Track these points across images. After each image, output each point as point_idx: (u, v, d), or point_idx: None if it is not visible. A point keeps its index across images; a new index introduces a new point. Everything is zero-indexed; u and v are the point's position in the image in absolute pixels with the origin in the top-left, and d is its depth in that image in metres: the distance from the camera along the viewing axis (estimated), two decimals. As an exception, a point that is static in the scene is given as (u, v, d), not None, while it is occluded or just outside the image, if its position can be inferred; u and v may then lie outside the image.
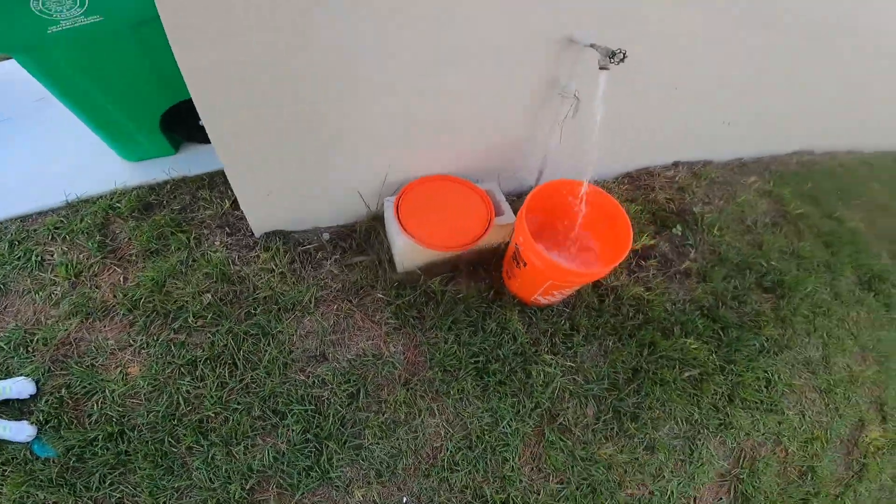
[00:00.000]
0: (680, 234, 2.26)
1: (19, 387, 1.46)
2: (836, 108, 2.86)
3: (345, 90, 1.35)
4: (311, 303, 1.71)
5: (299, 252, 1.79)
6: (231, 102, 1.27)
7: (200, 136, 2.10)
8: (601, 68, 1.40)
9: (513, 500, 1.49)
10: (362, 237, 1.86)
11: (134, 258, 1.75)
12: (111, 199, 1.88)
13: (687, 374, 1.84)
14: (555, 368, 1.72)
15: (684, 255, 2.22)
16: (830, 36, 2.07)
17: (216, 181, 1.95)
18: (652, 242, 2.17)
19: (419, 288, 1.78)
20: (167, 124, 1.99)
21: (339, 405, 1.52)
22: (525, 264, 1.59)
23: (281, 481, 1.41)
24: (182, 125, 2.04)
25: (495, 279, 1.88)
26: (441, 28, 1.28)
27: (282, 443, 1.45)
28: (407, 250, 1.68)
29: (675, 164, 2.59)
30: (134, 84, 1.77)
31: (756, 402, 1.89)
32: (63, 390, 1.49)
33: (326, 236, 1.86)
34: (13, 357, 1.53)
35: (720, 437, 1.78)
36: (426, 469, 1.49)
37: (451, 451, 1.52)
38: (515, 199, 2.12)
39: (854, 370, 2.18)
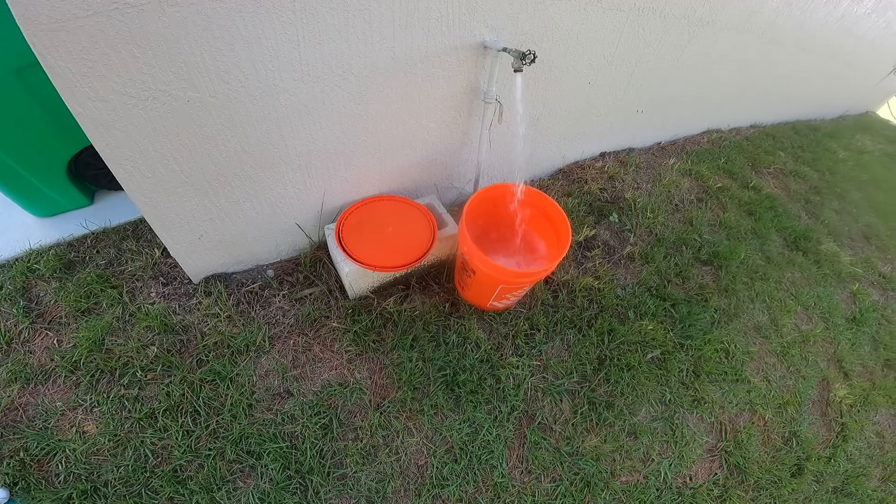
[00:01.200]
0: (617, 220, 2.38)
1: None
2: (733, 90, 3.13)
3: (264, 123, 1.32)
4: (265, 342, 1.65)
5: (244, 293, 1.72)
6: (138, 149, 1.21)
7: (115, 184, 1.98)
8: (515, 70, 1.45)
9: (509, 505, 1.49)
10: (308, 269, 1.81)
11: (64, 320, 1.61)
12: (28, 260, 1.72)
13: (649, 356, 1.92)
14: (523, 370, 1.75)
15: (624, 240, 2.33)
16: (710, 26, 2.26)
17: (141, 229, 1.83)
18: (592, 233, 2.27)
19: (374, 311, 1.76)
20: (76, 172, 1.86)
21: (315, 438, 1.48)
22: (474, 272, 1.61)
23: None
24: (92, 172, 1.91)
25: (449, 291, 1.89)
26: (353, 43, 1.28)
27: (264, 483, 1.40)
28: (355, 276, 1.65)
29: (602, 155, 2.73)
30: (28, 133, 1.64)
31: (721, 374, 1.98)
32: (21, 453, 1.37)
33: (271, 273, 1.80)
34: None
35: (697, 413, 1.85)
36: (416, 489, 1.48)
37: (437, 467, 1.51)
38: (457, 209, 2.15)
39: (803, 330, 2.34)
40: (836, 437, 2.05)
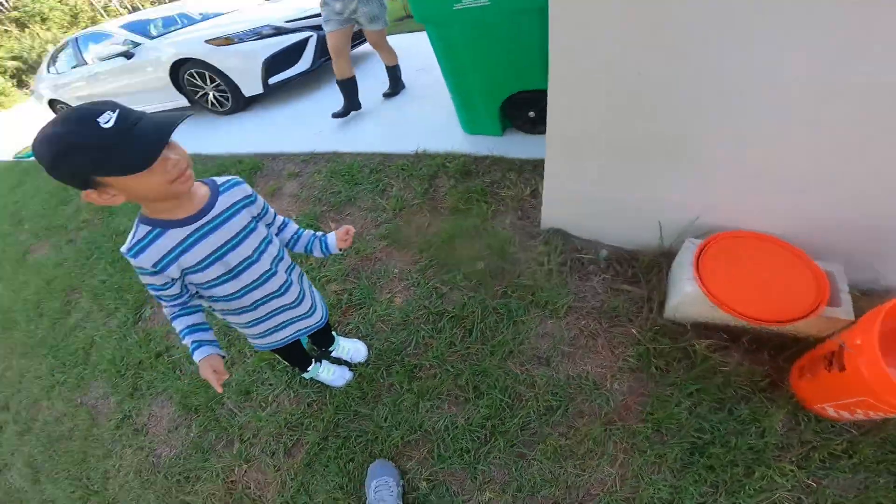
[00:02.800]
0: None
1: (357, 350, 1.70)
2: None
3: (707, 119, 1.25)
4: (562, 308, 1.71)
5: (573, 257, 1.81)
6: (583, 108, 1.34)
7: (526, 127, 2.36)
8: None
9: None
10: (642, 268, 1.74)
11: (442, 210, 2.11)
12: (445, 158, 2.31)
13: None
14: (787, 480, 1.29)
15: None
16: None
17: (525, 168, 2.14)
18: None
19: (680, 342, 1.56)
20: (504, 109, 2.30)
21: (533, 411, 1.49)
22: (843, 369, 1.19)
23: (434, 449, 1.47)
24: (514, 113, 2.32)
25: (779, 368, 1.49)
26: (845, 61, 1.02)
27: (461, 418, 1.50)
28: (690, 300, 1.48)
29: None
30: (494, 67, 2.09)
31: None
32: (345, 295, 1.91)
33: (604, 253, 1.82)
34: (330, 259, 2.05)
35: None
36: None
37: None
38: (859, 293, 1.60)
39: None
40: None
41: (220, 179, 1.03)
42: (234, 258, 1.01)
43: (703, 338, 1.56)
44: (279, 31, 4.11)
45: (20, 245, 3.81)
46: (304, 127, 3.47)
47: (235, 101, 4.28)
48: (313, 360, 1.59)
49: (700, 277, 1.41)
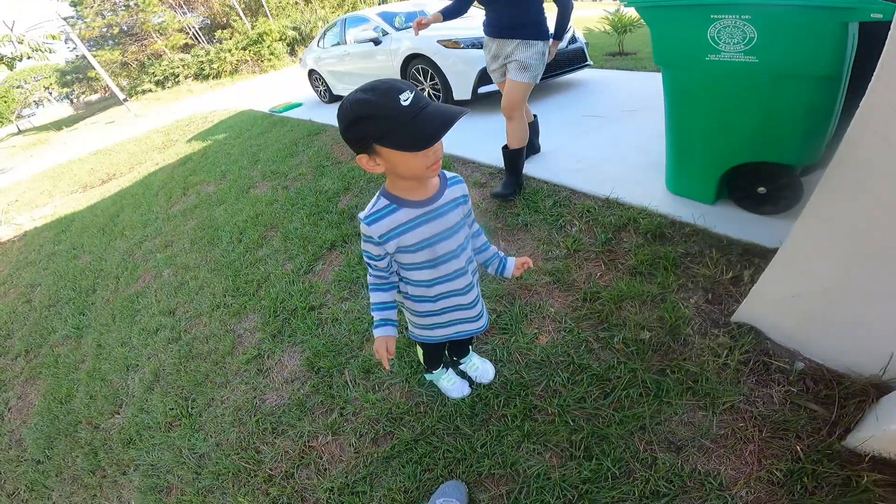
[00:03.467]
0: None
1: (485, 371, 1.70)
2: None
3: None
4: (722, 405, 1.47)
5: (759, 360, 1.54)
6: (861, 205, 1.12)
7: (746, 203, 2.07)
8: None
9: None
10: (842, 392, 1.40)
11: (620, 267, 1.98)
12: (638, 213, 2.17)
13: None
14: None
15: None
16: None
17: (733, 250, 1.88)
18: None
19: (847, 471, 1.24)
20: (726, 177, 2.05)
21: (636, 490, 1.32)
22: None
23: (515, 491, 1.39)
24: (738, 184, 2.05)
25: None
26: None
27: (558, 472, 1.40)
28: (891, 437, 1.16)
29: None
30: (732, 130, 1.88)
31: None
32: (493, 316, 1.91)
33: (800, 366, 1.51)
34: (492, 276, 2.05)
35: None
36: None
37: None
38: None
39: None
40: None
41: (448, 174, 1.12)
42: (441, 248, 1.10)
43: (878, 472, 1.21)
44: (500, 44, 4.34)
45: (249, 180, 4.69)
46: (498, 141, 3.61)
47: (445, 101, 4.66)
48: (442, 364, 1.64)
49: None
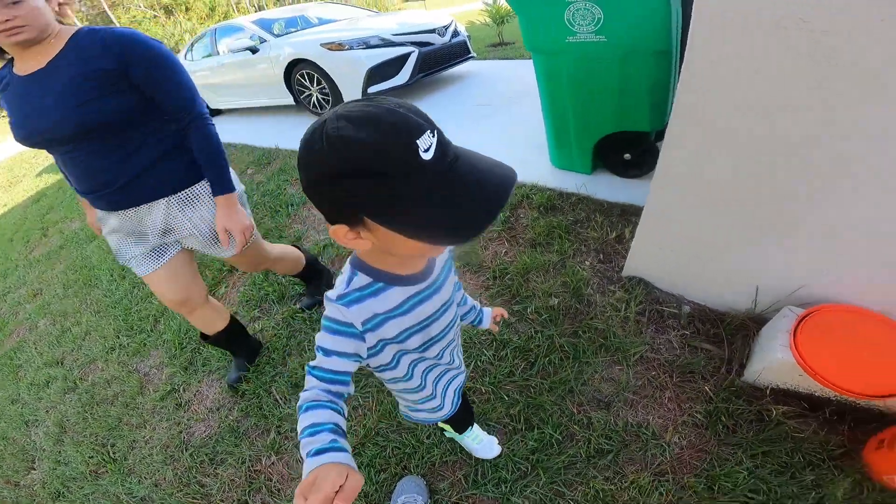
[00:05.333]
0: None
1: (489, 445, 1.47)
2: None
3: (842, 185, 1.18)
4: (633, 356, 1.66)
5: (653, 308, 1.76)
6: (702, 159, 1.31)
7: (618, 169, 2.32)
8: None
9: None
10: (727, 329, 1.65)
11: (521, 241, 2.12)
12: (530, 189, 2.33)
13: None
14: None
15: None
16: None
17: (613, 211, 2.11)
18: None
19: (755, 405, 1.45)
20: (598, 147, 2.28)
21: (582, 452, 1.43)
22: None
23: (471, 473, 1.44)
24: (608, 153, 2.29)
25: (854, 439, 1.35)
26: None
27: (506, 448, 1.47)
28: (778, 367, 1.39)
29: None
30: (597, 104, 2.09)
31: None
32: None
33: (687, 309, 1.75)
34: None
35: None
36: None
37: None
38: None
39: None
40: None
41: None
42: (436, 328, 0.81)
43: (781, 404, 1.46)
44: (386, 44, 4.37)
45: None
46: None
47: (336, 105, 4.58)
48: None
49: (796, 346, 1.33)
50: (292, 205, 3.18)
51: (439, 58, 4.72)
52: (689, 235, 1.55)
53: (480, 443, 1.45)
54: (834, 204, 1.24)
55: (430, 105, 4.38)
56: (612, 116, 2.09)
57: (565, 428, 1.51)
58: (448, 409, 1.06)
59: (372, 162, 0.48)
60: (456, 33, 4.96)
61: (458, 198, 0.52)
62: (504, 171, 0.55)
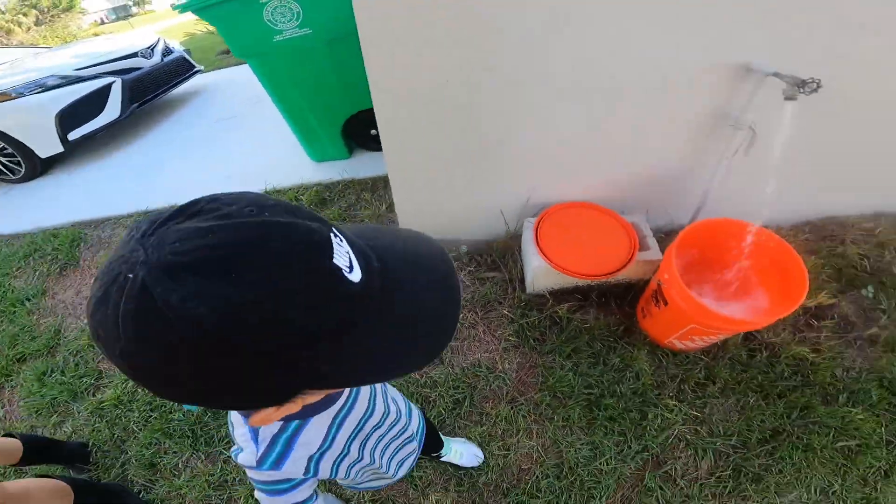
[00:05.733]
0: (871, 296, 1.88)
1: (470, 454, 1.47)
2: None
3: (513, 114, 1.44)
4: None
5: (440, 257, 1.93)
6: (409, 121, 1.44)
7: (371, 144, 2.42)
8: (787, 98, 1.25)
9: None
10: (498, 254, 1.92)
11: None
12: (297, 191, 2.26)
13: (841, 444, 1.52)
14: (676, 415, 1.57)
15: (872, 320, 1.83)
16: None
17: (378, 185, 2.20)
18: (831, 301, 1.84)
19: (546, 311, 1.76)
20: (346, 131, 2.33)
21: (443, 408, 1.57)
22: (666, 303, 1.48)
23: None
24: (357, 133, 2.37)
25: (627, 315, 1.78)
26: (607, 57, 1.28)
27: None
28: (540, 273, 1.69)
29: (877, 215, 2.15)
30: (325, 93, 2.12)
31: None
32: None
33: (465, 248, 1.97)
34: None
35: None
36: (506, 488, 1.45)
37: (537, 477, 1.46)
38: (664, 236, 1.99)
39: None
40: None
41: None
42: (370, 423, 0.72)
43: (563, 302, 1.79)
44: (70, 81, 3.58)
45: None
46: (128, 182, 3.08)
47: (30, 166, 3.61)
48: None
49: (541, 249, 1.62)
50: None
51: (154, 81, 4.10)
52: (433, 187, 1.74)
53: (462, 457, 1.44)
54: (516, 137, 1.52)
55: (163, 135, 3.81)
56: (344, 100, 2.14)
57: (419, 395, 1.59)
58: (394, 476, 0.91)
59: (273, 332, 0.29)
60: (168, 51, 4.36)
61: (414, 316, 0.38)
62: (431, 246, 0.44)
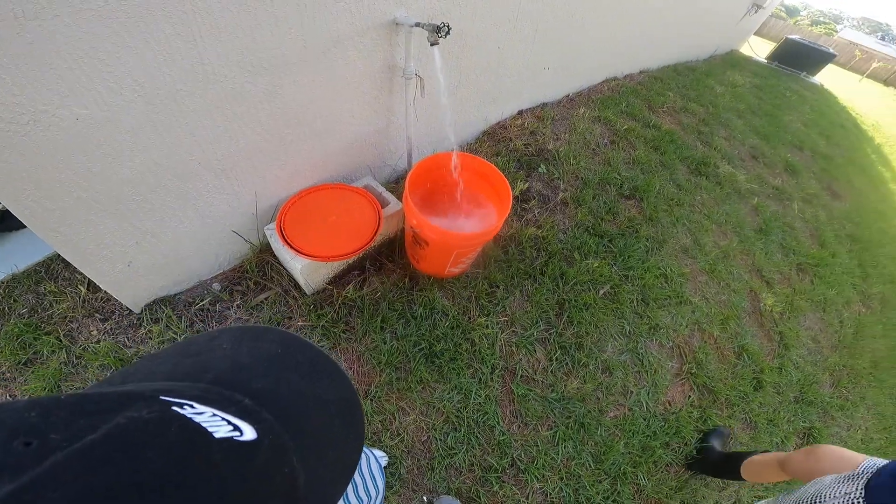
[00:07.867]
0: (545, 171, 2.52)
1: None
2: (623, 40, 3.40)
3: (172, 132, 1.24)
4: None
5: (195, 311, 1.62)
6: (31, 179, 1.06)
7: (10, 223, 1.76)
8: (432, 44, 1.48)
9: (518, 459, 1.54)
10: (256, 274, 1.74)
11: (8, 375, 1.42)
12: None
13: (602, 292, 2.06)
14: (492, 328, 1.79)
15: (555, 188, 2.48)
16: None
17: (55, 268, 1.65)
18: (526, 185, 2.39)
19: (336, 302, 1.72)
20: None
21: None
22: (427, 243, 1.63)
23: None
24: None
25: (404, 266, 1.90)
26: (258, 36, 1.23)
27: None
28: (308, 270, 1.62)
29: (520, 113, 2.86)
30: None
31: (665, 299, 2.14)
32: None
33: (217, 286, 1.71)
34: None
35: (656, 340, 1.98)
36: (428, 463, 1.48)
37: (440, 439, 1.52)
38: (395, 185, 2.16)
39: (722, 245, 2.60)
40: (779, 346, 2.25)
41: None
42: None
43: (345, 286, 1.77)
44: None
45: None
46: None
47: None
48: None
49: (296, 250, 1.54)
50: None
51: None
52: (121, 241, 1.35)
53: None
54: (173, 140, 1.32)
55: None
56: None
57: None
58: None
59: None
60: None
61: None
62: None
